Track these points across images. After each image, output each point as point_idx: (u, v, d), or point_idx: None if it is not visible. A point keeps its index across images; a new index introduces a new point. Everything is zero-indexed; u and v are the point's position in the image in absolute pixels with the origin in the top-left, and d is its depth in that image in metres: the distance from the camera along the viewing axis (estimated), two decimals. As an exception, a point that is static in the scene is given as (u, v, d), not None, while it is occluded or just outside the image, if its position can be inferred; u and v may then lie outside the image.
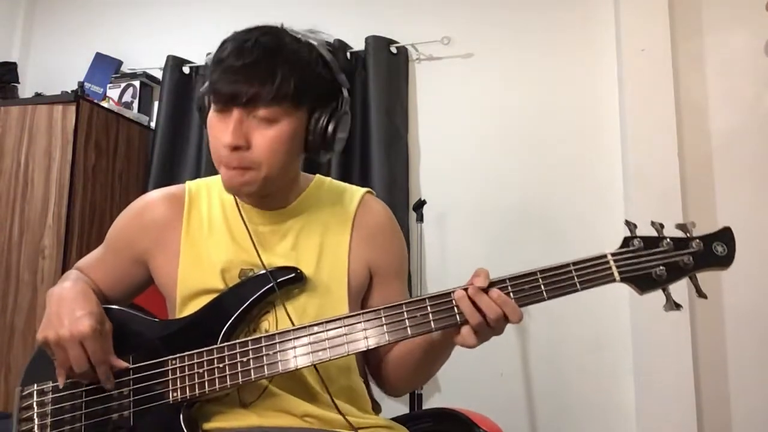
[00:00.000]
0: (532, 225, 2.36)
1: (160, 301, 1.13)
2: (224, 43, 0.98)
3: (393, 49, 2.58)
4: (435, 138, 2.58)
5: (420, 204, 2.31)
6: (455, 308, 0.87)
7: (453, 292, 0.88)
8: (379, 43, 2.57)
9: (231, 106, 0.94)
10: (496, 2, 2.58)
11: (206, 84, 1.01)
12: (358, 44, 2.61)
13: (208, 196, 1.11)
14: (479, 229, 2.44)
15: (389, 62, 2.57)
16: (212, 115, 0.97)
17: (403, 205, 2.46)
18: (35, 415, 0.98)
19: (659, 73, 2.26)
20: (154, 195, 1.13)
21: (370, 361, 1.12)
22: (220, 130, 0.95)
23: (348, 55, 2.60)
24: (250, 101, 0.93)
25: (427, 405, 2.22)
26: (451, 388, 2.32)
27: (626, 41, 2.32)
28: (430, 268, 2.47)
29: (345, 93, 1.03)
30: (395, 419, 1.14)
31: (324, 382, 0.97)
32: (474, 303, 0.86)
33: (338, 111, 1.01)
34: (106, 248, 1.16)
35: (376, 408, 1.11)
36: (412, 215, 2.38)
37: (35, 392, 0.99)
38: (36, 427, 0.97)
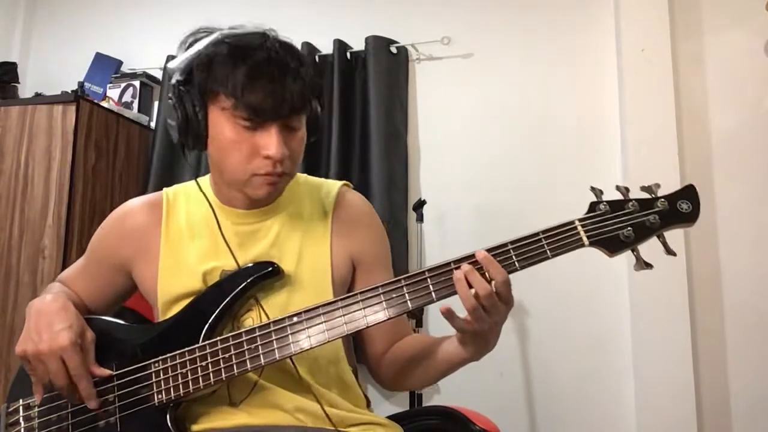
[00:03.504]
0: (532, 226, 2.35)
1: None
2: (230, 54, 0.95)
3: (393, 49, 2.58)
4: (435, 138, 2.58)
5: (420, 204, 2.31)
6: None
7: (454, 266, 0.88)
8: (379, 43, 2.57)
9: (272, 120, 0.94)
10: (497, 2, 2.58)
11: (204, 89, 0.97)
12: (358, 44, 2.61)
13: (187, 202, 1.11)
14: (479, 229, 2.44)
15: (389, 62, 2.57)
16: (237, 129, 0.95)
17: (403, 205, 2.46)
18: (22, 429, 0.97)
19: (659, 73, 2.26)
20: (134, 203, 1.14)
21: (368, 356, 1.12)
22: (258, 143, 0.95)
23: (348, 55, 2.61)
24: (290, 114, 0.95)
25: (426, 404, 2.22)
26: (450, 387, 2.30)
27: (626, 41, 2.32)
28: (430, 268, 2.47)
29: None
30: (393, 417, 1.14)
31: (312, 374, 0.97)
32: (469, 284, 0.86)
33: (318, 106, 1.05)
34: (88, 259, 1.16)
35: (366, 402, 1.11)
36: (412, 215, 2.38)
37: (21, 407, 0.99)
38: None
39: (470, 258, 0.88)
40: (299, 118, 0.98)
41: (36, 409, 0.98)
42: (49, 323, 0.95)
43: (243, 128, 0.95)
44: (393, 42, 2.59)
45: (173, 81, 1.01)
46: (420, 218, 2.32)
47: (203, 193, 1.07)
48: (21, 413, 0.99)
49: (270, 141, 0.94)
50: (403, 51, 2.61)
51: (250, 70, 0.93)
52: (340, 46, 2.59)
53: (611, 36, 2.41)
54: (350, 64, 2.60)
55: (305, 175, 1.16)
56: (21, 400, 0.99)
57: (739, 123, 2.27)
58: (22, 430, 0.98)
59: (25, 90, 2.92)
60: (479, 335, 0.90)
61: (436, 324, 2.34)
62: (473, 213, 2.46)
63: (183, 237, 1.07)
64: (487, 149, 2.49)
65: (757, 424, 2.11)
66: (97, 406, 0.94)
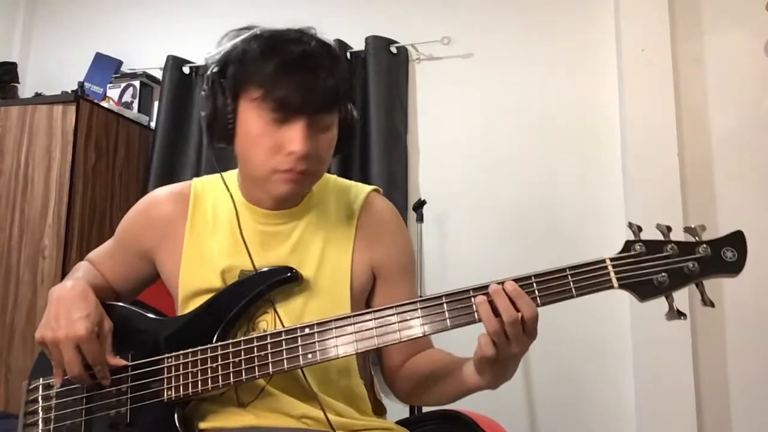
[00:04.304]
0: (532, 226, 2.36)
1: (169, 298, 1.13)
2: (264, 46, 0.94)
3: (393, 49, 2.58)
4: (435, 138, 2.58)
5: (420, 204, 2.31)
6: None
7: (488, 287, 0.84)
8: (379, 43, 2.57)
9: (299, 115, 0.92)
10: (497, 2, 2.58)
11: (236, 81, 0.95)
12: (358, 44, 2.61)
13: (214, 195, 1.10)
14: (479, 229, 2.44)
15: (389, 62, 2.57)
16: (263, 121, 0.93)
17: (403, 205, 2.46)
18: (39, 408, 1.00)
19: (659, 73, 2.26)
20: (161, 192, 1.13)
21: (384, 367, 1.11)
22: (283, 138, 0.93)
23: (348, 55, 2.60)
24: (318, 111, 0.93)
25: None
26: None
27: (626, 41, 2.31)
28: (429, 268, 2.47)
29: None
30: (399, 422, 1.13)
31: (313, 384, 0.96)
32: (493, 307, 0.83)
33: (354, 111, 1.04)
34: (115, 243, 1.17)
35: (380, 410, 1.10)
36: (412, 215, 2.38)
37: (41, 386, 1.01)
38: (40, 420, 0.99)
39: (487, 287, 0.84)
40: (329, 117, 0.95)
41: (55, 390, 1.00)
42: (67, 311, 0.96)
43: (270, 121, 0.93)
44: (393, 42, 2.59)
45: (208, 72, 0.99)
46: (420, 218, 2.32)
47: (227, 188, 1.06)
48: (40, 392, 1.01)
49: (295, 135, 0.92)
50: (403, 51, 2.60)
51: (282, 63, 0.92)
52: (340, 46, 2.58)
53: (611, 36, 2.41)
54: (350, 64, 2.60)
55: (334, 176, 1.14)
56: (41, 379, 1.01)
57: (739, 123, 2.27)
58: (40, 408, 1.00)
59: (25, 90, 2.92)
60: (498, 363, 0.86)
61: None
62: (473, 213, 2.46)
63: (207, 230, 1.07)
64: (487, 149, 2.49)
65: (757, 424, 2.11)
66: (109, 385, 0.96)
